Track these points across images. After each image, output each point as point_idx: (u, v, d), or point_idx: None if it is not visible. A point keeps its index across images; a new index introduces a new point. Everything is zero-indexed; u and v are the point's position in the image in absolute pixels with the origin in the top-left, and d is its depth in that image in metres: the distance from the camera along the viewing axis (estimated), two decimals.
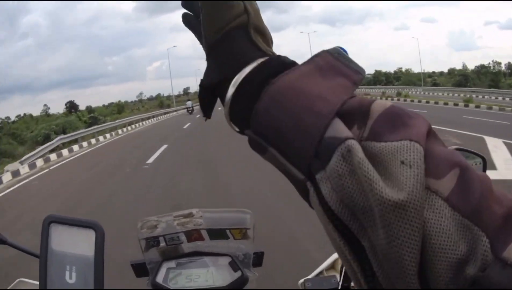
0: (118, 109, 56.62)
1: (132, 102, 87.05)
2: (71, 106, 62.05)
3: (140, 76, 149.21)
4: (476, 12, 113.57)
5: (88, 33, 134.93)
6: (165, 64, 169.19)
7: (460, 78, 46.34)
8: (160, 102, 65.50)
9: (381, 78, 56.44)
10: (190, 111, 30.49)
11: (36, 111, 62.94)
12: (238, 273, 0.72)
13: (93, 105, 62.63)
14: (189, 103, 31.60)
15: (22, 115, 60.95)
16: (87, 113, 45.57)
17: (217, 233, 0.72)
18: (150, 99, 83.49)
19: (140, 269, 0.77)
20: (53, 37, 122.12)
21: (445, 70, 61.64)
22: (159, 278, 0.73)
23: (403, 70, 60.30)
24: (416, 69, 60.59)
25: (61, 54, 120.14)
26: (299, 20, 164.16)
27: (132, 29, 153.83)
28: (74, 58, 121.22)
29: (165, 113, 32.76)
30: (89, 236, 0.54)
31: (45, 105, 66.37)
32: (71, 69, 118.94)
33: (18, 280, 0.84)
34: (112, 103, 62.53)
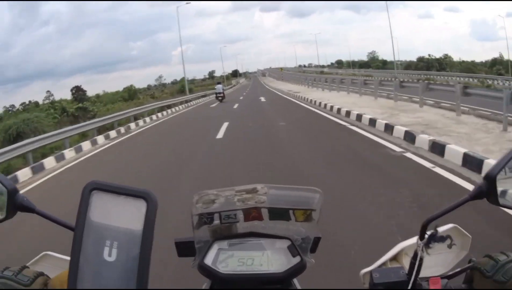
0: (130, 95, 48.87)
1: (154, 86, 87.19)
2: (78, 92, 56.36)
3: (165, 60, 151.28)
4: (499, 3, 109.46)
5: (111, 18, 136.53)
6: (191, 49, 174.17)
7: None
8: (182, 86, 60.37)
9: (434, 64, 54.66)
10: (220, 98, 24.11)
11: (58, 97, 59.12)
12: (297, 259, 0.66)
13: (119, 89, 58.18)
14: (219, 87, 24.65)
15: (27, 103, 56.60)
16: (77, 103, 39.09)
17: (278, 213, 0.65)
18: (174, 83, 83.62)
19: (184, 248, 0.72)
20: (75, 23, 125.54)
21: (468, 59, 60.32)
22: (208, 260, 0.67)
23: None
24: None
25: (84, 40, 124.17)
26: (324, 6, 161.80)
27: (156, 14, 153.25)
28: (97, 43, 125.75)
29: (181, 103, 24.85)
30: (139, 208, 0.48)
31: (48, 91, 60.32)
32: (94, 54, 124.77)
33: (43, 253, 0.78)
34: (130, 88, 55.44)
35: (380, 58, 76.86)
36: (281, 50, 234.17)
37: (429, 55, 60.67)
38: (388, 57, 69.45)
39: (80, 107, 32.05)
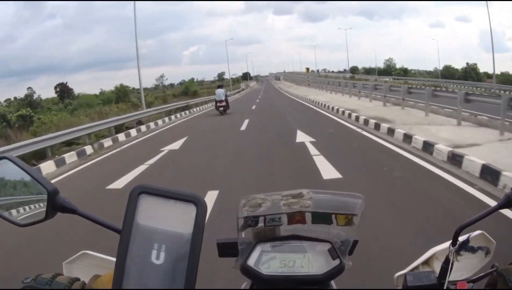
0: (119, 96, 38.69)
1: (153, 87, 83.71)
2: (62, 90, 50.15)
3: (175, 60, 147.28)
4: (509, 14, 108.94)
5: (119, 15, 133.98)
6: (202, 49, 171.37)
7: None
8: (186, 88, 52.84)
9: (472, 75, 53.29)
10: (222, 108, 17.39)
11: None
12: (336, 261, 0.68)
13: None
14: (220, 93, 17.45)
15: (12, 99, 51.11)
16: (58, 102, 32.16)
17: (321, 217, 0.68)
18: (182, 83, 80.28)
19: (226, 249, 0.74)
20: (82, 18, 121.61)
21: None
22: (251, 261, 0.69)
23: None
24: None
25: (91, 36, 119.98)
26: (337, 11, 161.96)
27: (166, 12, 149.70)
28: (105, 40, 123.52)
29: (169, 114, 18.45)
30: (188, 212, 0.48)
31: (29, 88, 52.60)
32: (101, 51, 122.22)
33: (81, 252, 0.79)
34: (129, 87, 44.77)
35: (397, 66, 75.08)
36: (292, 53, 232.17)
37: (467, 63, 58.81)
38: (404, 64, 69.98)
39: (21, 116, 24.07)
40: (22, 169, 0.63)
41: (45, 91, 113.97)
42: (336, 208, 0.67)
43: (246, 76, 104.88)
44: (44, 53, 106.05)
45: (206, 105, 25.47)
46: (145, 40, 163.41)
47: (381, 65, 79.41)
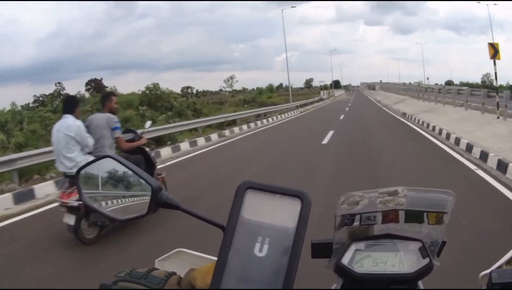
0: (150, 100, 27.27)
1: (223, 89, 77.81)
2: (95, 88, 44.75)
3: (266, 65, 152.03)
4: None
5: (212, 19, 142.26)
6: (294, 56, 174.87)
7: None
8: (259, 94, 48.91)
9: None
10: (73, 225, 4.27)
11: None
12: (426, 260, 0.67)
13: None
14: (78, 130, 4.29)
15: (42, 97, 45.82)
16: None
17: (413, 216, 0.68)
18: (270, 89, 74.13)
19: (321, 249, 0.75)
20: (174, 20, 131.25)
21: None
22: (345, 260, 0.70)
23: None
24: None
25: (183, 37, 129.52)
26: (426, 24, 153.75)
27: (259, 18, 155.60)
28: (197, 42, 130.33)
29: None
30: (294, 206, 0.50)
31: (58, 83, 49.12)
32: (193, 52, 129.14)
33: (177, 250, 0.81)
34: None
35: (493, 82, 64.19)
36: (381, 65, 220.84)
37: None
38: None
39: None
40: (126, 167, 0.67)
41: (136, 86, 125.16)
42: (428, 206, 0.67)
43: (336, 84, 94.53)
44: (134, 51, 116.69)
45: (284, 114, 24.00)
46: (238, 45, 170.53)
47: (478, 80, 72.70)
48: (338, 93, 71.50)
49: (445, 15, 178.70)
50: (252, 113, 19.97)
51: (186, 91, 55.33)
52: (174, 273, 0.62)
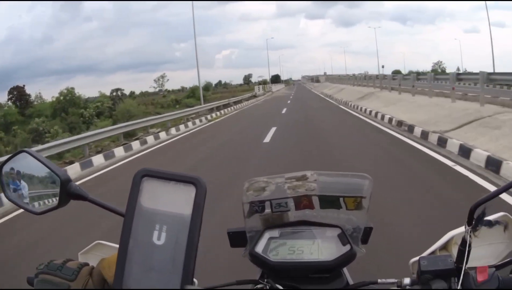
0: (63, 106, 26.48)
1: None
2: (17, 96, 41.54)
3: (208, 63, 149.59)
4: None
5: (156, 19, 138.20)
6: (234, 54, 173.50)
7: None
8: (191, 92, 45.95)
9: None
10: None
11: (105, 91, 53.81)
12: (347, 247, 0.67)
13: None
14: None
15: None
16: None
17: (329, 201, 0.67)
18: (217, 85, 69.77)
19: (237, 238, 0.74)
20: (119, 21, 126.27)
21: None
22: (259, 248, 0.69)
23: None
24: None
25: (127, 39, 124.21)
26: (370, 16, 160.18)
27: (200, 16, 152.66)
28: (141, 43, 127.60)
29: None
30: (188, 193, 0.49)
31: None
32: (137, 53, 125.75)
33: (95, 242, 0.82)
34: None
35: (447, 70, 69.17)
36: (325, 59, 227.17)
37: None
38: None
39: None
40: (38, 160, 0.68)
41: (83, 90, 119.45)
42: (343, 191, 0.66)
43: (276, 79, 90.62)
44: (81, 54, 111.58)
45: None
46: (179, 44, 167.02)
47: (428, 68, 75.02)
48: (277, 87, 64.63)
49: (392, 7, 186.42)
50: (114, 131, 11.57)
51: (115, 95, 51.34)
52: (86, 264, 0.64)
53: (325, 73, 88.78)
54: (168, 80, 74.57)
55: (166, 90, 73.35)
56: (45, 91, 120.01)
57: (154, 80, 75.34)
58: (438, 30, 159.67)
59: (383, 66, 75.16)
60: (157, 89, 72.36)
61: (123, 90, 57.03)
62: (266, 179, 0.68)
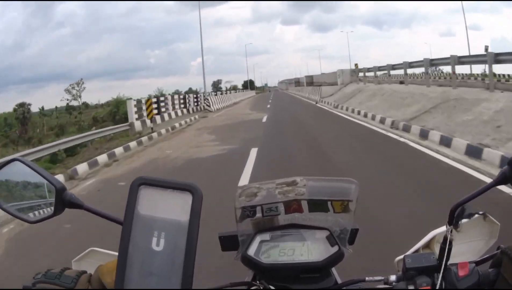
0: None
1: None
2: None
3: (182, 70, 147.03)
4: None
5: (128, 24, 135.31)
6: (210, 60, 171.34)
7: None
8: (116, 105, 29.37)
9: None
10: None
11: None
12: (335, 248, 0.70)
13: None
14: None
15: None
16: None
17: (317, 205, 0.70)
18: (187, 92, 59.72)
19: (228, 242, 0.77)
20: (91, 27, 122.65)
21: None
22: (251, 251, 0.71)
23: None
24: None
25: (100, 45, 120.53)
26: (345, 20, 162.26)
27: (174, 22, 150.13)
28: (114, 49, 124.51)
29: None
30: (185, 200, 0.51)
31: None
32: (111, 60, 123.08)
33: (89, 249, 0.82)
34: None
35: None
36: (301, 64, 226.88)
37: None
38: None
39: None
40: (32, 168, 0.68)
41: (55, 99, 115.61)
42: (331, 195, 0.69)
43: (248, 85, 77.01)
44: (53, 61, 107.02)
45: None
46: (153, 50, 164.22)
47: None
48: (241, 96, 43.18)
49: (367, 11, 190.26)
50: None
51: (20, 110, 39.17)
52: (84, 272, 0.64)
53: (305, 76, 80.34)
54: (84, 88, 51.58)
55: (83, 103, 52.60)
56: (15, 101, 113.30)
57: (65, 91, 51.23)
58: (413, 34, 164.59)
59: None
60: (70, 101, 51.10)
61: (30, 105, 43.24)
62: (258, 185, 0.71)
